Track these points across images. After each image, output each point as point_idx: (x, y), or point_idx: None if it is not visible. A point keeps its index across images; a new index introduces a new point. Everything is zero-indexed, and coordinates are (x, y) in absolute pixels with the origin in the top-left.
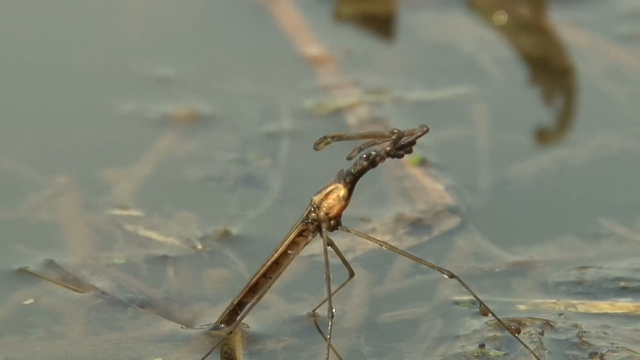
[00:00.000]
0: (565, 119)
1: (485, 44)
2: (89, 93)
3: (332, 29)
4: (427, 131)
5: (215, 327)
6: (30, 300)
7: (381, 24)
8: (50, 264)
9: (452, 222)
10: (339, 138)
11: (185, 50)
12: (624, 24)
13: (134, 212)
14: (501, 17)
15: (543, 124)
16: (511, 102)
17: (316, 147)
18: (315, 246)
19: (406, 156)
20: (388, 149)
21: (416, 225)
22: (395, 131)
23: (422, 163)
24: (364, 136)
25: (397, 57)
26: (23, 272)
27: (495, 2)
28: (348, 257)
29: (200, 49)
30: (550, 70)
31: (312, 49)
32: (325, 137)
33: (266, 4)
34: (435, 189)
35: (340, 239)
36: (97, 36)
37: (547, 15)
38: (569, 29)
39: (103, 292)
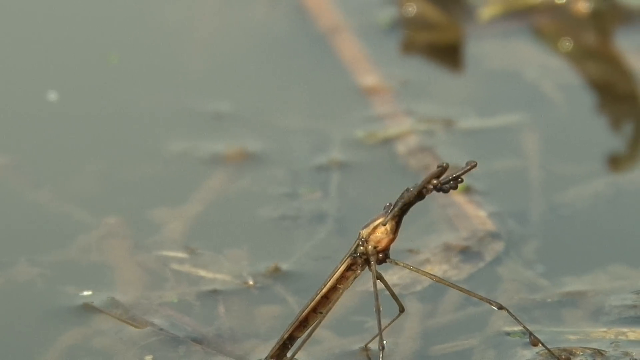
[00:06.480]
0: (636, 145)
1: (550, 71)
2: (143, 131)
3: (396, 60)
4: (474, 166)
5: None
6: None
7: (448, 54)
8: (112, 301)
9: (496, 248)
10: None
11: (243, 84)
12: None
13: (185, 251)
14: (567, 44)
15: (613, 150)
16: (571, 129)
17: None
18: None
19: None
20: (435, 182)
21: (465, 253)
22: (443, 164)
23: (467, 191)
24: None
25: (458, 86)
26: (74, 311)
27: (561, 29)
28: (415, 289)
29: (257, 82)
30: (616, 96)
31: (369, 79)
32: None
33: (328, 35)
34: (477, 216)
35: (400, 272)
36: (156, 72)
37: (613, 42)
38: (634, 55)
39: (161, 329)
